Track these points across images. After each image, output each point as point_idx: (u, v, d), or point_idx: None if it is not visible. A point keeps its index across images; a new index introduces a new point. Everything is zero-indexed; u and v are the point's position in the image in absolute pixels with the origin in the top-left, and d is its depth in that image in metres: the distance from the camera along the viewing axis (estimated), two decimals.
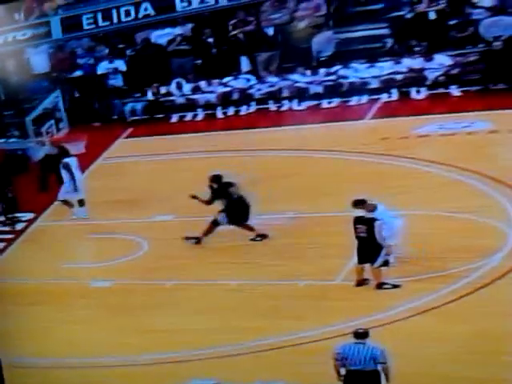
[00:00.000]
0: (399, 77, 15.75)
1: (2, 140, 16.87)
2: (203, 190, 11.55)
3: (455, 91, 15.39)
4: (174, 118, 17.07)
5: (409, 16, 16.45)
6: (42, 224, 13.55)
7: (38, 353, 9.60)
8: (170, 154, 15.37)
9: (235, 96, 16.81)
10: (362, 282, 9.98)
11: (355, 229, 9.95)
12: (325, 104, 16.06)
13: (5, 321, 10.06)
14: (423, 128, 14.27)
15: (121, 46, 18.75)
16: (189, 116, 17.04)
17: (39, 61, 18.87)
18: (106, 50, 18.68)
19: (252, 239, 11.34)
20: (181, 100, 17.25)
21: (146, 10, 17.53)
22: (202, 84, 17.17)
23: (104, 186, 13.94)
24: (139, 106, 17.54)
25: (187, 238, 11.52)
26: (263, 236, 11.36)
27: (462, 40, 15.88)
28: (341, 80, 16.07)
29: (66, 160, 13.39)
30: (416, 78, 15.65)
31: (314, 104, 16.08)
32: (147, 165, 15.17)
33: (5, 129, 17.33)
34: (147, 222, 12.68)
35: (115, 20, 17.83)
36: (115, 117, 17.67)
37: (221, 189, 11.30)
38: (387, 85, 15.81)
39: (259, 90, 16.69)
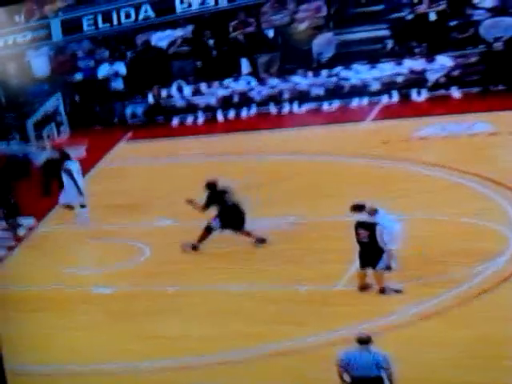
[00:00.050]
0: (400, 78, 15.73)
1: (3, 143, 16.88)
2: (203, 194, 11.54)
3: (456, 93, 15.38)
4: (175, 121, 17.07)
5: (409, 17, 16.43)
6: (43, 229, 13.55)
7: (40, 360, 9.61)
8: (170, 158, 15.38)
9: (236, 99, 16.81)
10: (364, 287, 9.98)
11: (357, 233, 9.94)
12: (326, 106, 16.06)
13: (7, 328, 10.05)
14: (424, 130, 14.25)
15: (121, 48, 18.74)
16: (189, 119, 17.04)
17: (40, 64, 18.87)
18: (107, 53, 18.67)
19: (255, 243, 11.33)
20: (181, 103, 17.25)
21: (146, 12, 17.56)
22: (203, 86, 17.17)
23: (105, 190, 13.94)
24: (140, 109, 17.54)
25: (184, 246, 11.52)
26: (262, 240, 11.35)
27: (463, 41, 15.85)
28: (342, 82, 16.05)
29: (68, 165, 13.38)
30: (417, 80, 15.63)
31: (315, 106, 16.07)
32: (148, 168, 15.17)
33: (6, 132, 17.34)
34: (148, 227, 12.68)
35: (115, 22, 17.86)
36: (116, 120, 17.67)
37: (215, 195, 11.33)
38: (388, 86, 15.79)
39: (260, 92, 16.69)
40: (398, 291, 9.86)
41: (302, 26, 17.14)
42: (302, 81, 16.42)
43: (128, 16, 17.72)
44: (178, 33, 18.22)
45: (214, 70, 17.40)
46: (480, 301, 9.43)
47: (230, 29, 17.80)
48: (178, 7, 17.54)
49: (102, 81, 18.03)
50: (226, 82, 16.94)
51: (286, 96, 16.46)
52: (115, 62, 18.22)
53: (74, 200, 13.20)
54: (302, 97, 16.34)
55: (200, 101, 17.07)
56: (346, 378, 7.65)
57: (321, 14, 17.24)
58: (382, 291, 9.87)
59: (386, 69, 15.85)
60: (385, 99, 15.75)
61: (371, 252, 9.81)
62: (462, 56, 15.57)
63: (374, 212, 9.93)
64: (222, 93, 16.91)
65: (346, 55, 16.59)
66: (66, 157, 13.86)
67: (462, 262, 10.22)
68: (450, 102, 15.17)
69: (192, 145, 15.88)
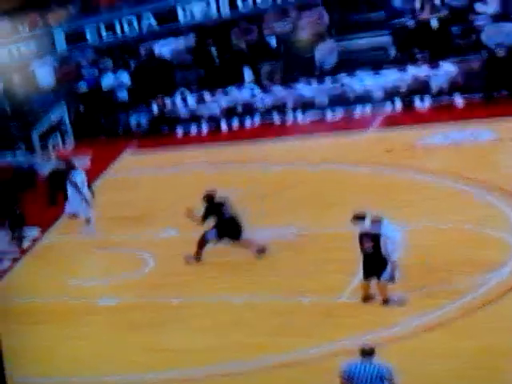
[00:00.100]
0: (404, 85, 15.73)
1: (9, 153, 16.95)
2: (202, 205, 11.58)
3: (459, 100, 15.37)
4: (179, 131, 17.11)
5: (411, 24, 16.44)
6: (48, 240, 13.60)
7: (43, 372, 9.62)
8: (174, 168, 15.41)
9: (239, 108, 16.84)
10: (367, 298, 9.95)
11: (361, 244, 9.92)
12: (329, 115, 16.07)
13: (11, 340, 10.08)
14: (427, 138, 14.25)
15: (125, 57, 18.81)
16: (193, 128, 17.08)
17: (44, 74, 18.97)
18: (110, 62, 18.74)
19: (256, 253, 11.35)
20: (185, 112, 17.29)
21: (148, 22, 17.64)
22: (206, 95, 17.21)
23: (110, 201, 13.96)
24: (144, 118, 17.59)
25: (187, 258, 11.58)
26: (262, 250, 11.37)
27: (465, 47, 15.87)
28: (346, 89, 16.07)
29: (73, 176, 13.44)
30: (420, 87, 15.63)
31: (319, 115, 16.08)
32: (152, 178, 15.20)
33: (11, 142, 17.41)
34: (153, 238, 12.70)
35: (118, 31, 17.95)
36: (120, 130, 17.72)
37: (213, 207, 11.40)
38: (392, 94, 15.80)
39: (263, 100, 16.72)
40: (402, 302, 9.83)
41: (305, 34, 17.18)
42: (305, 88, 16.45)
43: (131, 25, 17.82)
44: (181, 42, 18.28)
45: (217, 78, 17.45)
46: (484, 311, 9.39)
47: (233, 37, 17.85)
48: (181, 16, 17.63)
49: (106, 91, 18.10)
50: (229, 90, 16.98)
51: (290, 105, 16.49)
52: (119, 71, 18.29)
53: (80, 210, 13.26)
54: (305, 105, 16.36)
55: (203, 110, 17.11)
56: None
57: (323, 21, 17.27)
58: (386, 302, 9.86)
59: (390, 75, 15.85)
60: (388, 107, 15.76)
61: (375, 263, 9.78)
62: (465, 62, 15.57)
63: (378, 221, 9.91)
64: (225, 102, 16.95)
65: (348, 62, 16.63)
66: (71, 167, 13.91)
67: (466, 271, 10.19)
68: (453, 110, 15.16)
69: (196, 154, 15.91)
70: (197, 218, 11.42)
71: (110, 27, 18.19)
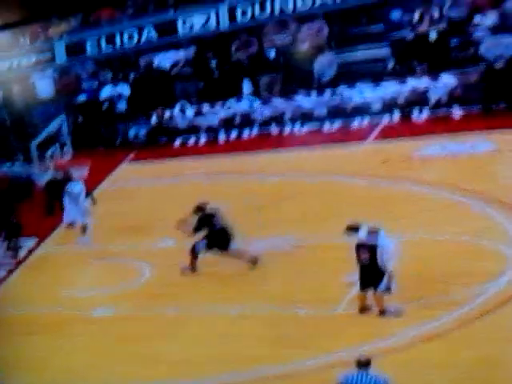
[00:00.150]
0: (402, 97, 15.75)
1: (8, 164, 16.98)
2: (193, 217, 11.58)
3: (457, 112, 15.38)
4: (177, 142, 17.14)
5: (410, 37, 16.48)
6: (45, 250, 13.59)
7: (37, 383, 9.56)
8: (173, 178, 15.41)
9: (238, 119, 16.87)
10: (364, 309, 9.91)
11: (358, 255, 9.89)
12: (327, 126, 16.08)
13: (5, 350, 10.06)
14: (425, 150, 14.24)
15: (125, 69, 18.88)
16: (192, 140, 17.11)
17: (44, 85, 19.03)
18: (110, 75, 18.80)
19: (248, 264, 11.33)
20: (184, 124, 17.32)
21: (148, 34, 17.71)
22: (205, 107, 17.25)
23: (107, 211, 13.96)
24: (143, 130, 17.62)
25: (183, 269, 11.59)
26: (254, 261, 11.35)
27: (464, 60, 15.89)
28: (345, 101, 16.09)
29: (70, 187, 13.48)
30: (419, 99, 15.64)
31: (317, 126, 16.09)
32: (150, 189, 15.21)
33: (10, 153, 17.45)
34: (150, 248, 12.68)
35: (118, 44, 18.02)
36: (119, 141, 17.76)
37: (204, 219, 11.43)
38: (390, 106, 15.82)
39: (262, 112, 16.75)
40: (399, 313, 9.78)
41: (304, 47, 17.22)
42: (304, 100, 16.48)
43: (131, 38, 17.89)
44: (181, 54, 18.35)
45: (217, 90, 17.49)
46: (481, 322, 9.34)
47: (233, 49, 17.90)
48: (180, 29, 17.70)
49: (105, 102, 18.14)
50: (229, 102, 17.02)
51: (288, 116, 16.52)
52: (118, 83, 18.34)
53: (77, 218, 13.25)
54: (303, 117, 16.39)
55: (202, 122, 17.14)
56: None
57: (322, 34, 17.32)
58: (382, 313, 9.81)
59: (389, 88, 15.87)
60: (386, 119, 15.77)
61: (372, 274, 9.74)
62: (463, 74, 15.58)
63: (375, 232, 9.88)
64: (224, 113, 16.98)
65: (347, 75, 16.65)
66: (68, 178, 13.95)
67: (463, 282, 10.15)
68: (451, 121, 15.16)
69: (194, 165, 15.92)
70: (188, 230, 11.46)
71: (111, 40, 18.25)
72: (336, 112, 16.14)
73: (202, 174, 15.27)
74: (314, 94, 16.48)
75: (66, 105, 18.52)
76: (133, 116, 17.92)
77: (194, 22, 17.67)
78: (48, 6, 19.18)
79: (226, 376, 9.16)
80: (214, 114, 17.05)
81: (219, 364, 9.39)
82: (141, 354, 9.85)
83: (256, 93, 17.25)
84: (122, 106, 18.10)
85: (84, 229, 13.29)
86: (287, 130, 16.39)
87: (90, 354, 10.08)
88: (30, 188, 15.89)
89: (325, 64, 16.96)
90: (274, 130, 16.48)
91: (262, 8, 16.99)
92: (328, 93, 16.31)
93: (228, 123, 16.88)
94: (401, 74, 16.08)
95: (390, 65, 16.47)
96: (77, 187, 13.58)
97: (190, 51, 18.30)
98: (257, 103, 16.88)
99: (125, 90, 18.23)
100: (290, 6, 16.87)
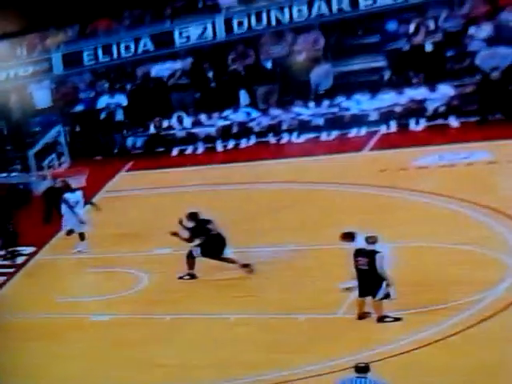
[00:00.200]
0: (399, 108, 15.84)
1: (5, 174, 16.98)
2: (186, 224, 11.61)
3: (454, 122, 15.47)
4: (175, 152, 17.17)
5: (406, 48, 16.60)
6: (42, 258, 13.58)
7: None
8: (170, 188, 15.43)
9: (235, 129, 16.93)
10: (363, 316, 9.91)
11: (356, 261, 9.91)
12: (324, 136, 16.15)
13: (2, 357, 10.01)
14: (422, 159, 14.32)
15: (122, 80, 18.93)
16: (189, 149, 17.15)
17: (41, 96, 19.06)
18: (107, 85, 18.85)
19: (243, 267, 11.34)
20: (181, 133, 17.37)
21: (145, 45, 17.77)
22: (202, 117, 17.30)
23: (105, 220, 13.94)
24: (140, 140, 17.66)
25: (180, 278, 11.62)
26: (247, 266, 11.39)
27: (459, 71, 16.00)
28: (342, 112, 16.17)
29: (67, 196, 13.52)
30: (416, 109, 15.74)
31: (314, 136, 16.16)
32: (148, 198, 15.23)
33: (7, 163, 17.45)
34: (147, 255, 12.69)
35: (115, 55, 18.07)
36: (116, 150, 17.78)
37: (199, 226, 11.50)
38: (388, 116, 15.90)
39: (259, 123, 16.81)
40: (397, 319, 9.79)
41: (300, 58, 17.32)
42: (302, 111, 16.55)
43: (128, 49, 17.94)
44: (178, 65, 18.41)
45: (214, 101, 17.55)
46: (481, 328, 9.36)
47: (229, 61, 17.97)
48: (177, 40, 17.77)
49: (102, 112, 18.18)
50: (225, 113, 17.07)
51: (285, 126, 16.58)
52: (115, 93, 18.39)
53: (75, 226, 13.29)
54: (301, 127, 16.45)
55: (199, 131, 17.18)
56: None
57: (318, 45, 17.43)
58: (381, 319, 9.82)
59: (387, 99, 15.96)
60: (384, 128, 15.85)
61: (370, 281, 9.76)
62: (459, 86, 15.69)
63: (373, 239, 9.91)
64: (221, 123, 17.03)
65: (343, 86, 16.74)
66: (67, 188, 13.99)
67: (462, 290, 10.17)
68: (448, 132, 15.25)
69: (192, 175, 15.95)
70: (184, 237, 11.54)
71: (108, 50, 18.31)
72: (333, 122, 16.21)
73: (199, 183, 15.29)
74: (311, 104, 16.56)
75: (63, 114, 18.55)
76: (130, 126, 17.95)
77: (191, 33, 17.74)
78: (45, 17, 19.24)
79: (224, 382, 9.13)
80: (212, 124, 17.10)
81: (217, 370, 9.37)
82: (137, 360, 9.84)
83: (253, 103, 17.32)
84: (119, 116, 18.15)
85: (82, 236, 13.30)
86: (285, 139, 16.45)
87: (87, 359, 10.04)
88: (28, 196, 15.91)
89: (321, 75, 17.06)
90: (271, 139, 16.54)
91: (259, 19, 17.08)
92: (325, 103, 16.39)
93: (225, 133, 16.93)
94: (397, 85, 16.18)
95: (387, 75, 16.57)
96: (74, 196, 13.61)
97: (187, 62, 18.38)
98: (254, 113, 16.94)
99: (122, 100, 18.28)
100: (287, 17, 16.96)
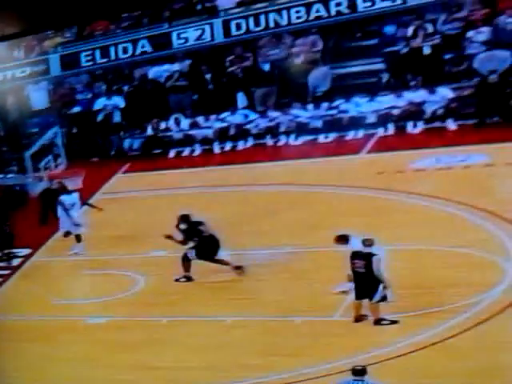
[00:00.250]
0: (398, 110, 15.83)
1: (1, 175, 16.95)
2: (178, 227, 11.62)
3: (451, 125, 15.47)
4: (172, 154, 17.16)
5: (404, 51, 16.60)
6: (38, 259, 13.56)
7: None
8: (167, 189, 15.41)
9: (232, 131, 16.92)
10: (360, 318, 9.89)
11: (352, 264, 9.90)
12: (322, 138, 16.14)
13: None
14: (420, 162, 14.31)
15: (119, 82, 18.92)
16: (186, 151, 17.14)
17: (38, 97, 19.04)
18: (104, 87, 18.83)
19: (234, 271, 11.30)
20: (179, 135, 17.36)
21: (143, 47, 17.75)
22: (200, 119, 17.29)
23: (101, 222, 13.91)
24: (137, 142, 17.64)
25: (177, 280, 11.61)
26: (239, 268, 11.36)
27: (458, 74, 16.00)
28: (341, 114, 16.17)
29: (63, 197, 13.50)
30: (414, 112, 15.73)
31: (312, 138, 16.15)
32: (144, 200, 15.21)
33: (4, 164, 17.43)
34: (144, 258, 12.67)
35: (113, 57, 18.06)
36: (113, 152, 17.76)
37: (191, 228, 11.51)
38: (386, 119, 15.89)
39: (257, 125, 16.80)
40: (394, 322, 9.78)
41: (298, 60, 17.31)
42: (300, 113, 16.54)
43: (125, 51, 17.93)
44: (176, 67, 18.41)
45: (211, 103, 17.54)
46: (478, 331, 9.35)
47: (227, 63, 17.97)
48: (175, 42, 17.76)
49: (99, 114, 18.16)
50: (223, 115, 17.06)
51: (283, 128, 16.58)
52: (113, 95, 18.37)
53: (71, 229, 13.29)
54: (298, 129, 16.44)
55: (197, 133, 17.17)
56: None
57: (316, 48, 17.42)
58: (378, 322, 9.80)
59: (386, 101, 15.95)
60: (381, 131, 15.85)
61: (367, 283, 9.75)
62: (457, 88, 15.70)
63: (370, 243, 9.90)
64: (218, 125, 17.02)
65: (341, 88, 16.73)
66: (63, 189, 13.97)
67: (459, 292, 10.16)
68: (445, 134, 15.25)
69: (189, 177, 15.93)
70: (178, 240, 11.56)
71: (105, 52, 18.29)
72: (332, 124, 16.21)
73: (196, 185, 15.27)
74: (309, 106, 16.56)
75: (60, 116, 18.53)
76: (127, 128, 17.93)
77: (189, 35, 17.73)
78: (43, 19, 19.22)
79: None
80: (209, 126, 17.09)
81: (213, 372, 9.36)
82: (134, 362, 9.83)
83: (251, 106, 17.31)
84: (116, 117, 18.13)
85: (79, 238, 13.29)
86: (282, 141, 16.45)
87: (82, 362, 10.02)
88: (24, 198, 15.88)
89: (319, 77, 17.05)
90: (269, 141, 16.54)
91: (257, 21, 17.07)
92: (324, 105, 16.38)
93: (223, 135, 16.92)
94: (395, 88, 16.18)
95: (385, 78, 16.57)
96: (70, 198, 13.60)
97: (185, 64, 18.37)
98: (252, 116, 16.93)
99: (119, 102, 18.26)
100: (285, 19, 16.95)
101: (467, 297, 9.99)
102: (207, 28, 17.41)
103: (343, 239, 10.10)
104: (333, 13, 16.03)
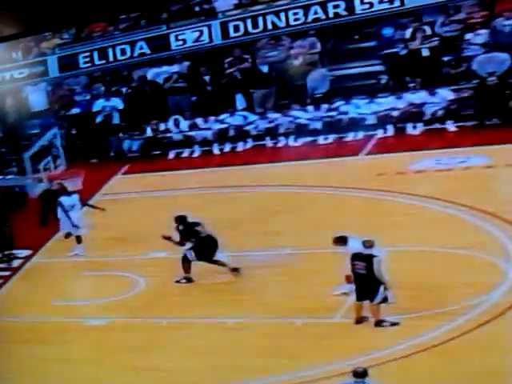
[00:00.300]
0: (397, 112, 15.86)
1: (0, 177, 16.94)
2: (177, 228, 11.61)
3: (451, 126, 15.50)
4: (171, 155, 17.16)
5: (403, 53, 16.63)
6: (38, 261, 13.54)
7: None
8: (166, 191, 15.41)
9: (231, 133, 16.93)
10: (361, 320, 9.89)
11: (353, 265, 9.90)
12: (321, 140, 16.16)
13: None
14: (419, 163, 14.34)
15: (117, 84, 18.91)
16: (186, 152, 17.14)
17: (37, 98, 19.04)
18: (103, 88, 18.82)
19: (231, 272, 11.30)
20: (178, 137, 17.36)
21: (141, 48, 17.74)
22: (199, 121, 17.29)
23: (101, 223, 13.91)
24: (136, 143, 17.64)
25: (177, 281, 11.61)
26: (236, 270, 11.37)
27: (456, 76, 16.04)
28: (341, 116, 16.18)
29: (63, 198, 13.50)
30: (414, 113, 15.76)
31: (311, 140, 16.16)
32: (144, 201, 15.20)
33: (3, 165, 17.42)
34: (144, 259, 12.66)
35: (111, 58, 18.04)
36: (113, 153, 17.75)
37: (188, 229, 11.50)
38: (385, 120, 15.91)
39: (256, 126, 16.81)
40: (395, 324, 9.78)
41: (297, 62, 17.33)
42: (300, 115, 16.55)
43: (124, 52, 17.91)
44: (174, 68, 18.41)
45: (210, 104, 17.54)
46: (479, 333, 9.34)
47: (226, 65, 17.98)
48: (173, 44, 17.75)
49: (98, 115, 18.15)
50: (222, 117, 17.06)
51: (283, 130, 16.59)
52: (111, 97, 18.36)
53: (71, 230, 13.30)
54: (298, 131, 16.45)
55: (196, 135, 17.17)
56: None
57: (315, 50, 17.45)
58: (379, 324, 9.80)
59: (385, 103, 15.97)
60: (381, 132, 15.87)
61: (368, 284, 9.75)
62: (456, 90, 15.73)
63: (370, 244, 9.90)
64: (218, 127, 17.03)
65: (340, 90, 16.75)
66: (63, 190, 13.97)
67: (459, 294, 10.17)
68: (445, 136, 15.28)
69: (188, 178, 15.93)
70: (175, 241, 11.57)
71: (104, 53, 18.27)
72: (331, 126, 16.22)
73: (195, 186, 15.27)
74: (309, 108, 16.57)
75: (59, 117, 18.51)
76: (126, 129, 17.93)
77: (187, 37, 17.72)
78: (41, 21, 19.19)
79: None
80: (208, 127, 17.10)
81: (213, 374, 9.33)
82: (134, 364, 9.79)
83: (250, 107, 17.32)
84: (115, 119, 18.13)
85: (79, 240, 13.28)
86: (282, 143, 16.46)
87: (82, 363, 10.00)
88: (24, 199, 15.87)
89: (317, 79, 17.07)
90: (268, 143, 16.55)
91: (255, 23, 17.07)
92: (324, 107, 16.40)
93: (222, 136, 16.93)
94: (394, 89, 16.21)
95: (383, 80, 16.60)
96: (70, 200, 13.59)
97: (184, 66, 18.37)
98: (251, 117, 16.94)
99: (117, 103, 18.26)
100: (283, 21, 16.95)
101: (468, 299, 10.00)
102: (205, 30, 17.40)
103: (341, 240, 10.12)
104: (331, 15, 16.05)
